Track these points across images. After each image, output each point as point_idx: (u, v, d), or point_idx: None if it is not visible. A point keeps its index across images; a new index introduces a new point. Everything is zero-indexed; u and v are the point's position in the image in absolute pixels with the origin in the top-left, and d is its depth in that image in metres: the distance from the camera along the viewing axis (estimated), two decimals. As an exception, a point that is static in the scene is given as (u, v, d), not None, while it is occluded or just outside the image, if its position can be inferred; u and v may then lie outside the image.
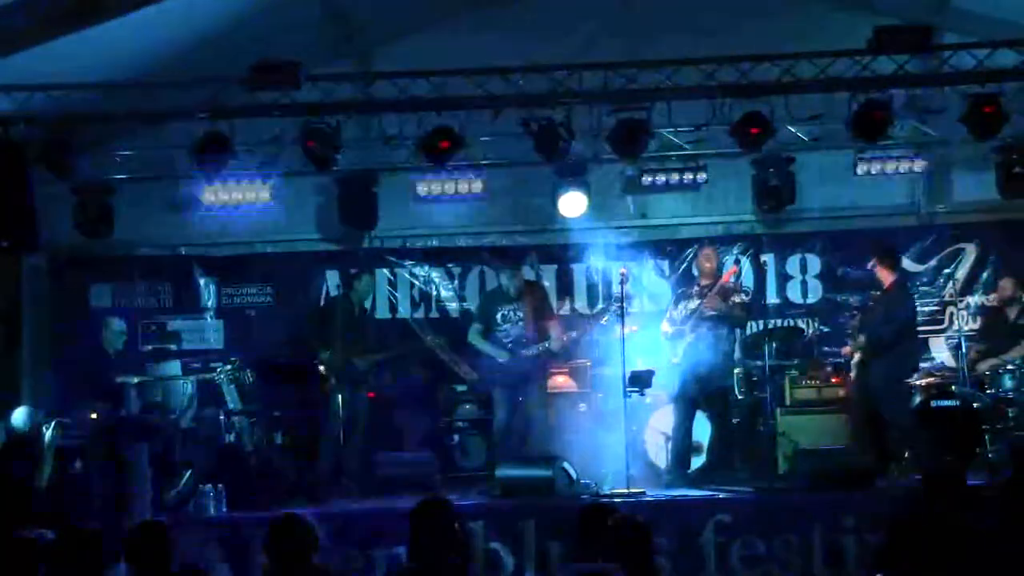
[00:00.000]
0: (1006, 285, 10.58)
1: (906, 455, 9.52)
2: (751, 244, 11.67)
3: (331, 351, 10.11)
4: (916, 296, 10.77)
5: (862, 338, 9.87)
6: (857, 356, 9.88)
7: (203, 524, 8.53)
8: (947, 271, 11.37)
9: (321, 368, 10.16)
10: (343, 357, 10.14)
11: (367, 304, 11.07)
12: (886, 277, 9.90)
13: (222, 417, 9.93)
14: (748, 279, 11.40)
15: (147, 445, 8.52)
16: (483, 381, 10.23)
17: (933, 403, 9.55)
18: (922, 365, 10.50)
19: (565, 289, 11.83)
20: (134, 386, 9.63)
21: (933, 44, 9.35)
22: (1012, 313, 10.45)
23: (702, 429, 9.89)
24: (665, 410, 10.22)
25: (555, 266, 11.83)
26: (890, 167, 10.89)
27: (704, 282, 9.91)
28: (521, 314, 9.89)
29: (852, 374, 9.98)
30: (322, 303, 11.46)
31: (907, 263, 11.23)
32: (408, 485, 8.83)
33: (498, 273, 10.39)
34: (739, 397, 10.50)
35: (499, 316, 9.96)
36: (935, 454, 9.01)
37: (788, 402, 10.18)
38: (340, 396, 10.05)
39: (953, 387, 9.81)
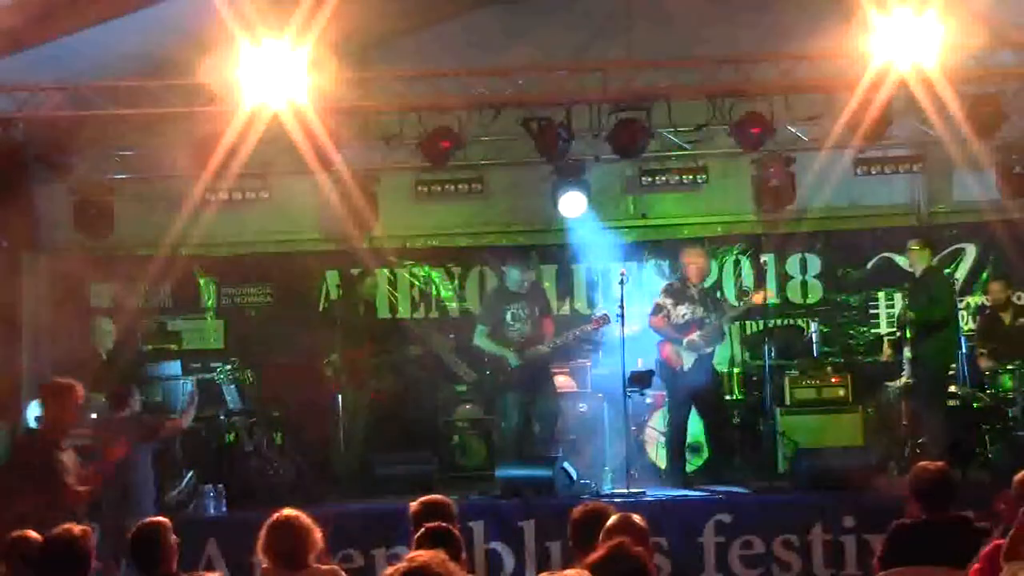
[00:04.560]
0: (996, 288, 10.61)
1: (906, 453, 9.54)
2: (751, 244, 11.67)
3: (337, 352, 10.13)
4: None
5: (910, 315, 9.79)
6: (908, 352, 9.79)
7: (203, 524, 8.54)
8: (947, 271, 11.35)
9: (328, 370, 10.18)
10: (348, 358, 10.16)
11: (377, 304, 11.13)
12: (922, 262, 9.83)
13: (222, 417, 9.93)
14: (748, 279, 11.42)
15: (151, 445, 8.51)
16: (491, 386, 9.96)
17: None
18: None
19: (565, 289, 11.85)
20: (134, 386, 9.62)
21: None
22: (1007, 317, 10.46)
23: (699, 429, 9.91)
24: (665, 410, 10.23)
25: (555, 266, 11.85)
26: (890, 167, 10.89)
27: (696, 285, 9.81)
28: (527, 312, 9.81)
29: (904, 372, 9.82)
30: (325, 304, 11.47)
31: (907, 263, 11.21)
32: (408, 485, 8.83)
33: (506, 270, 10.17)
34: (739, 397, 10.50)
35: (508, 315, 9.79)
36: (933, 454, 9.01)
37: (788, 402, 10.19)
38: (343, 397, 10.07)
39: (953, 387, 9.81)
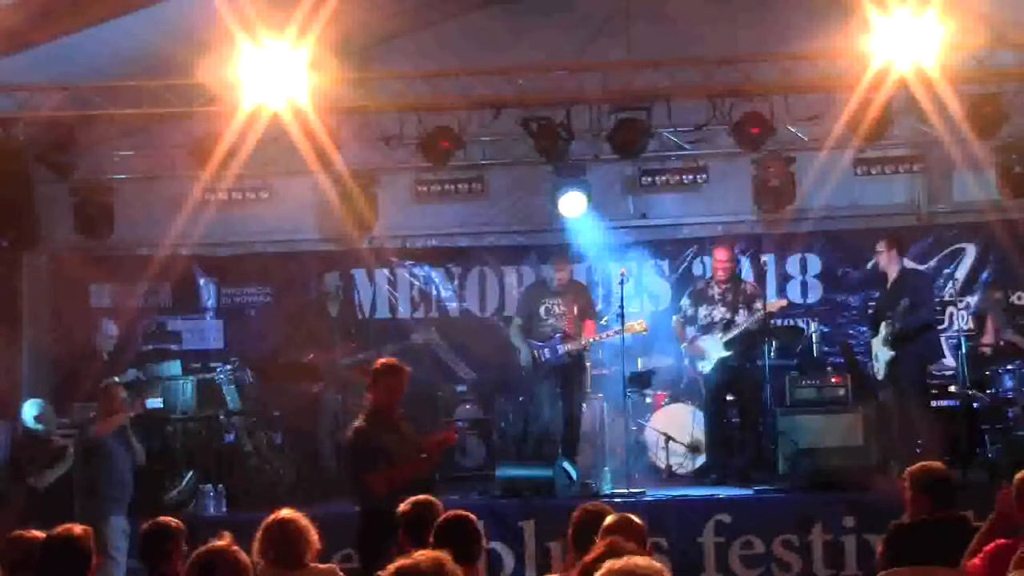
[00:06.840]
0: (994, 293, 10.62)
1: (906, 453, 9.53)
2: (751, 244, 11.66)
3: (317, 351, 10.17)
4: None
5: (884, 330, 9.72)
6: (887, 352, 9.77)
7: (203, 524, 8.52)
8: (947, 271, 11.34)
9: (311, 368, 10.21)
10: (328, 357, 10.18)
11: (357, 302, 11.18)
12: (894, 264, 9.79)
13: (222, 417, 9.93)
14: (748, 279, 11.41)
15: (117, 440, 8.47)
16: (534, 372, 9.79)
17: (933, 403, 9.55)
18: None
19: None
20: (134, 386, 9.62)
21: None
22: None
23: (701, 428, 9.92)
24: (665, 410, 10.23)
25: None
26: (890, 167, 10.90)
27: (721, 284, 9.80)
28: (564, 308, 9.74)
29: (881, 373, 9.78)
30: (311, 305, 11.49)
31: (907, 263, 11.20)
32: (408, 485, 8.80)
33: (539, 267, 10.33)
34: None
35: (543, 309, 9.77)
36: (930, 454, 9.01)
37: (788, 402, 10.17)
38: (329, 396, 10.10)
39: (953, 387, 9.80)
